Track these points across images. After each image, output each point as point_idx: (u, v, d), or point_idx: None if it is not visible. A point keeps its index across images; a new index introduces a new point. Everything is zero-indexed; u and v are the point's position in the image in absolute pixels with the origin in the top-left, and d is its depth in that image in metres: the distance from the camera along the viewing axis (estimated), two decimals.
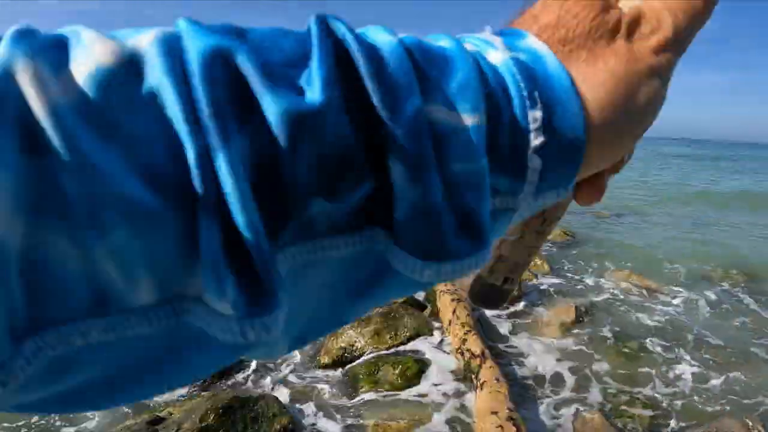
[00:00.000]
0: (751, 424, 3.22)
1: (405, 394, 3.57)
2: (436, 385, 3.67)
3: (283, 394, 3.72)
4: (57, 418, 3.83)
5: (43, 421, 3.82)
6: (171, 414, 3.67)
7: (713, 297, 5.19)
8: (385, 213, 0.23)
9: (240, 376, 4.02)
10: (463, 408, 3.43)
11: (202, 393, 3.83)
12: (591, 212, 9.67)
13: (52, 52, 0.18)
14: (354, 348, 3.98)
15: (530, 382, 3.73)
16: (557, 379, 3.75)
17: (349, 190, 0.22)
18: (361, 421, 3.36)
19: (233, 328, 0.20)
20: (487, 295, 0.46)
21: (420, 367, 3.76)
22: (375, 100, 0.21)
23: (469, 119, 0.22)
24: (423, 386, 3.64)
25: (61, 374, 0.19)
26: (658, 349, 4.14)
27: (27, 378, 0.18)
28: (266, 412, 3.47)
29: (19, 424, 3.79)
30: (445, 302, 4.44)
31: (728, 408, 3.43)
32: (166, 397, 3.89)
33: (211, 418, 3.38)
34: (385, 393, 3.59)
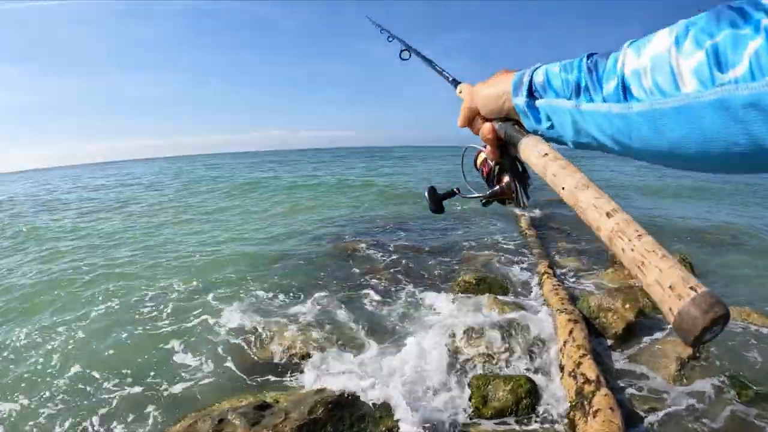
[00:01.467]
0: None
1: (512, 417, 3.47)
2: (545, 408, 3.53)
3: (389, 396, 3.73)
4: (174, 374, 4.06)
5: (156, 369, 4.07)
6: (278, 402, 3.78)
7: None
8: None
9: (345, 377, 4.07)
10: None
11: (311, 387, 3.92)
12: (710, 236, 9.31)
13: None
14: (466, 359, 3.93)
15: (643, 414, 3.50)
16: (670, 415, 3.47)
17: None
18: None
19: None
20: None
21: (531, 387, 3.63)
22: None
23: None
24: (533, 408, 3.52)
25: None
26: None
27: None
28: (373, 413, 3.50)
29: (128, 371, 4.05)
30: (561, 322, 4.25)
31: None
32: (274, 385, 4.03)
33: (320, 411, 3.44)
34: (494, 411, 3.51)
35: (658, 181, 20.78)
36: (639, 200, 15.00)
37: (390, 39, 2.48)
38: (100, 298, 6.30)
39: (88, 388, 4.12)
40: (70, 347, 4.87)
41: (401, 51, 2.14)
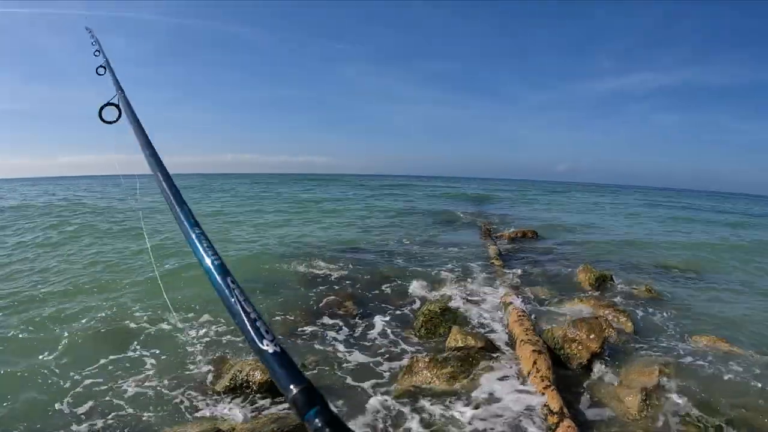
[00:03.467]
0: None
1: None
2: None
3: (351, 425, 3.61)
4: (125, 402, 3.84)
5: (105, 398, 3.83)
6: (233, 429, 3.61)
7: None
8: None
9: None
10: None
11: (266, 415, 3.77)
12: (676, 269, 9.48)
13: None
14: (430, 388, 3.84)
15: None
16: None
17: None
18: None
19: None
20: None
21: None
22: None
23: None
24: None
25: None
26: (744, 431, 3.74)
27: None
28: None
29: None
30: (525, 353, 4.20)
31: None
32: (230, 413, 3.88)
33: None
34: None
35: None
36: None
37: (96, 53, 2.58)
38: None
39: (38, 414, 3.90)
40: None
41: (98, 67, 2.27)
